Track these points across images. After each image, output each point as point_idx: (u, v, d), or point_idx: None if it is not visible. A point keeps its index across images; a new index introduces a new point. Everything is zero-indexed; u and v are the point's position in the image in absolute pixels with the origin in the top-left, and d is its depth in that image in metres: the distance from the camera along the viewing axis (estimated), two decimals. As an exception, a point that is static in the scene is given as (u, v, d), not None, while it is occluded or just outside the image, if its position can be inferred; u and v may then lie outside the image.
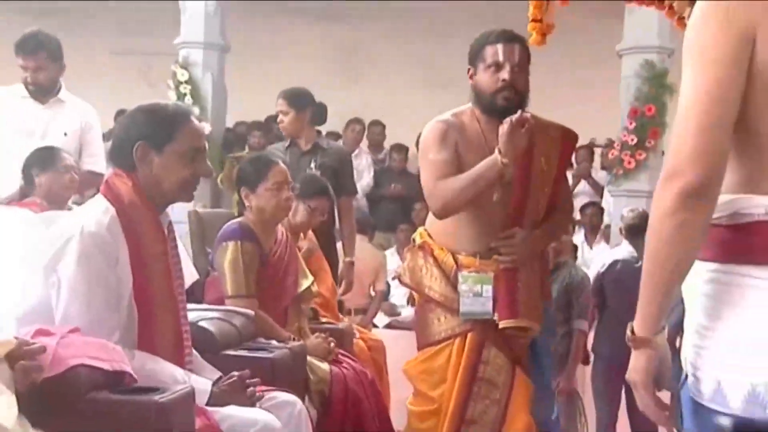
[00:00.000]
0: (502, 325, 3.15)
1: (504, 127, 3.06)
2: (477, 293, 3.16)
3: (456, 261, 3.22)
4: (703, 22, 1.76)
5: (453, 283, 3.21)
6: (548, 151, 3.24)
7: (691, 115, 1.73)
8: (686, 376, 1.87)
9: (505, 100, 3.16)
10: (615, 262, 5.54)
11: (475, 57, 3.24)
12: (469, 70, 3.28)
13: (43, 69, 4.52)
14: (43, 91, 4.59)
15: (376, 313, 6.81)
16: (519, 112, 3.09)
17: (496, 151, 3.07)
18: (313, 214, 4.05)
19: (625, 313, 5.40)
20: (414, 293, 3.48)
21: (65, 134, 4.57)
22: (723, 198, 1.76)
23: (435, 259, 3.27)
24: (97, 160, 4.71)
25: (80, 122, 4.67)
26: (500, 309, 3.15)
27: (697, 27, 1.77)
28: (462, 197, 3.15)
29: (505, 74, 3.16)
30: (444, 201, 3.18)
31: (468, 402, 3.19)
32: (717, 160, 1.70)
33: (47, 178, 4.18)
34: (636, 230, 5.55)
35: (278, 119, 4.98)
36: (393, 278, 5.90)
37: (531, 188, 3.21)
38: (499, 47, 3.17)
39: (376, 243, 7.75)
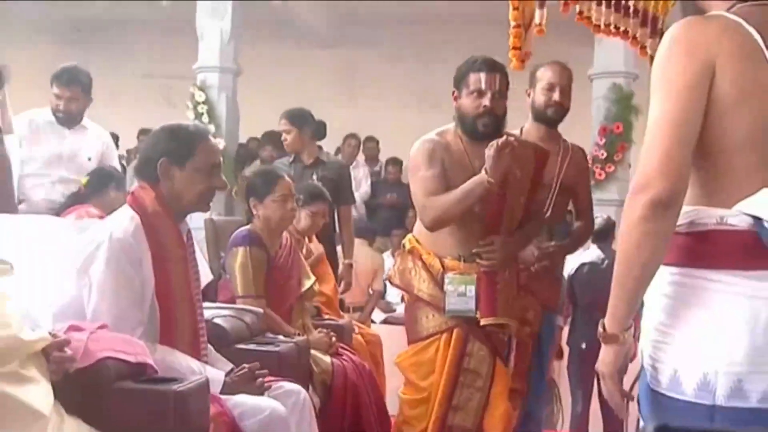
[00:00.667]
0: (483, 322, 3.15)
1: (490, 151, 3.04)
2: (461, 293, 3.16)
3: (442, 264, 3.22)
4: (668, 54, 1.79)
5: (439, 284, 3.20)
6: (522, 165, 3.20)
7: (658, 135, 1.75)
8: (642, 367, 1.89)
9: (485, 126, 3.16)
10: (583, 265, 5.56)
11: (459, 81, 3.22)
12: (453, 92, 3.26)
13: (75, 100, 4.55)
14: (71, 119, 4.61)
15: (372, 310, 6.80)
16: (504, 137, 3.07)
17: (483, 171, 3.06)
18: (314, 218, 4.05)
19: (594, 311, 5.46)
20: (404, 293, 3.48)
21: (89, 159, 4.62)
22: (684, 209, 1.77)
23: (423, 262, 3.26)
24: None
25: (100, 146, 4.72)
26: (482, 308, 3.15)
27: (663, 57, 1.80)
28: (452, 212, 3.14)
29: (486, 101, 3.14)
30: (435, 215, 3.17)
31: (455, 390, 3.18)
32: (681, 175, 1.72)
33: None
34: (602, 235, 5.58)
35: (282, 137, 4.98)
36: (385, 280, 5.90)
37: (507, 199, 3.19)
38: (482, 75, 3.16)
39: (374, 247, 7.75)
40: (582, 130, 8.18)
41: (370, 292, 6.89)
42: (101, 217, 3.33)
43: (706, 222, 1.74)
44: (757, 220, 1.68)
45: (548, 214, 3.52)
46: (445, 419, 3.19)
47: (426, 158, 3.20)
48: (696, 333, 1.75)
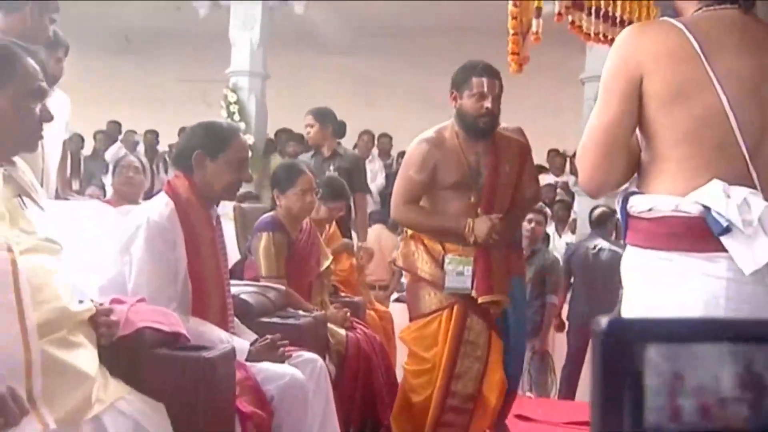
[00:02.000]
0: (481, 300, 3.19)
1: (485, 228, 3.13)
2: (459, 272, 3.20)
3: (443, 247, 3.25)
4: (608, 61, 1.85)
5: (440, 265, 3.24)
6: (511, 159, 3.28)
7: (588, 143, 1.85)
8: None
9: (485, 125, 3.21)
10: (578, 248, 5.61)
11: (461, 84, 3.24)
12: (452, 92, 3.27)
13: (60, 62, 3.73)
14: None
15: (397, 286, 6.81)
16: (495, 216, 3.16)
17: (469, 229, 3.14)
18: (332, 213, 4.09)
19: (588, 289, 5.45)
20: (406, 273, 3.49)
21: (66, 123, 3.88)
22: (644, 196, 1.81)
23: (425, 246, 3.30)
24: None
25: (67, 110, 3.89)
26: (479, 286, 3.18)
27: (605, 64, 1.86)
28: (417, 228, 3.30)
29: (488, 103, 3.18)
30: (404, 221, 3.37)
31: (457, 360, 3.23)
32: (606, 178, 1.86)
33: (117, 180, 4.23)
34: (599, 223, 5.61)
35: (306, 131, 5.03)
36: (390, 262, 5.92)
37: (498, 190, 3.25)
38: (485, 80, 3.19)
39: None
40: (575, 128, 8.20)
41: (394, 268, 6.91)
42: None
43: (662, 209, 1.77)
44: (706, 208, 1.70)
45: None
46: (449, 386, 3.23)
47: (419, 161, 3.25)
48: (657, 307, 1.78)
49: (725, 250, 1.71)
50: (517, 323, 3.59)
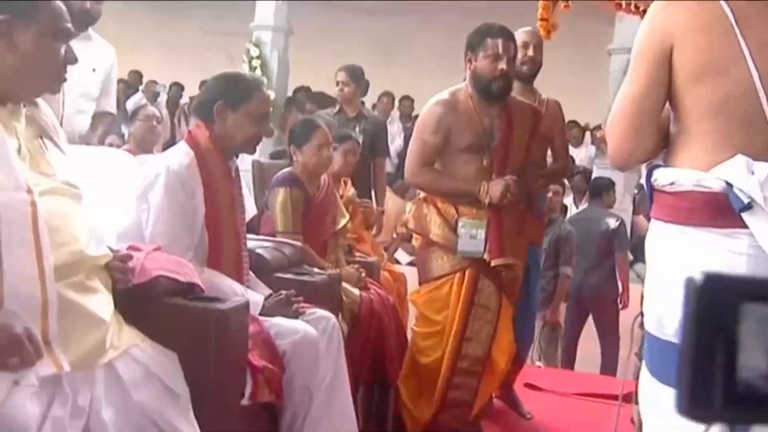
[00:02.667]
0: (493, 263, 3.18)
1: (499, 189, 3.12)
2: (472, 236, 3.19)
3: (457, 210, 3.25)
4: (640, 32, 1.82)
5: (453, 228, 3.24)
6: (523, 124, 3.28)
7: (619, 113, 1.83)
8: (641, 314, 1.91)
9: (499, 88, 3.19)
10: (573, 216, 5.70)
11: (476, 46, 3.21)
12: (467, 54, 3.25)
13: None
14: (78, 25, 3.74)
15: (396, 250, 6.84)
16: (510, 178, 3.15)
17: (483, 191, 3.14)
18: (345, 157, 4.00)
19: (581, 258, 5.42)
20: (417, 237, 3.48)
21: (93, 70, 3.78)
22: (668, 170, 1.79)
23: (437, 209, 3.29)
24: (111, 101, 3.99)
25: (109, 60, 3.87)
26: (491, 249, 3.18)
27: (638, 35, 1.83)
28: (432, 191, 3.31)
29: (503, 64, 3.15)
30: (419, 185, 3.36)
31: (468, 322, 3.24)
32: (635, 149, 1.83)
33: (135, 127, 4.21)
34: (595, 193, 5.67)
35: (339, 89, 4.94)
36: (401, 224, 5.93)
37: (511, 152, 3.24)
38: (500, 42, 3.16)
39: (406, 197, 7.78)
40: (600, 99, 8.12)
41: (394, 235, 6.92)
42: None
43: (684, 183, 1.75)
44: (728, 184, 1.68)
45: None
46: (459, 349, 3.25)
47: (434, 123, 3.23)
48: (676, 281, 1.76)
49: (746, 227, 1.69)
50: (530, 292, 3.59)
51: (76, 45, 3.63)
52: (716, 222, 1.71)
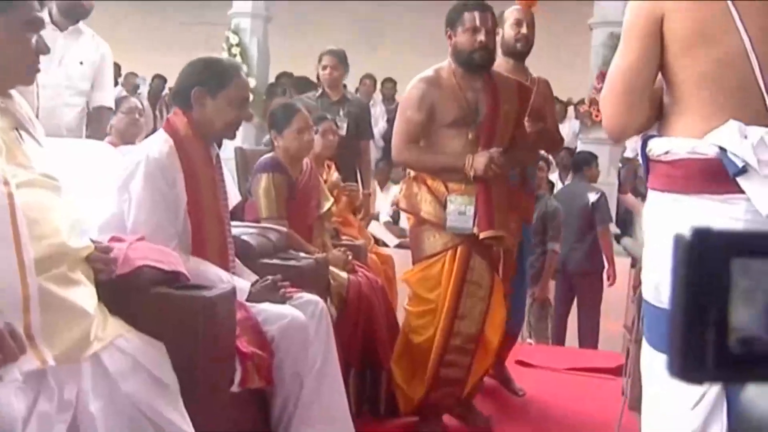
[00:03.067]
0: (482, 236, 3.17)
1: (483, 160, 3.12)
2: (461, 212, 3.18)
3: (446, 187, 3.24)
4: (629, 6, 1.82)
5: (443, 206, 3.23)
6: (509, 98, 3.29)
7: (610, 85, 1.84)
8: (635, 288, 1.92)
9: (481, 59, 3.20)
10: (560, 192, 5.72)
11: (455, 21, 3.24)
12: (447, 32, 3.28)
13: None
14: (70, 18, 3.71)
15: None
16: (496, 150, 3.15)
17: (468, 164, 3.14)
18: (325, 136, 3.98)
19: (566, 232, 5.44)
20: (409, 216, 3.49)
21: (81, 63, 3.77)
22: (662, 139, 1.78)
23: (428, 187, 3.28)
24: (106, 96, 3.96)
25: (98, 53, 3.84)
26: (480, 223, 3.18)
27: (627, 9, 1.83)
28: (419, 168, 3.31)
29: (481, 36, 3.17)
30: (406, 162, 3.37)
31: (460, 300, 3.24)
32: (629, 119, 1.83)
33: (117, 119, 4.18)
34: (577, 167, 5.69)
35: (327, 72, 4.88)
36: (392, 204, 5.91)
37: (497, 126, 3.24)
38: (476, 14, 3.19)
39: (391, 178, 7.82)
40: (582, 73, 8.11)
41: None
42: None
43: (679, 151, 1.75)
44: (722, 149, 1.67)
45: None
46: (452, 326, 3.25)
47: (417, 100, 3.25)
48: (661, 246, 1.77)
49: (742, 192, 1.69)
50: (523, 269, 3.58)
51: (67, 38, 3.69)
52: (712, 188, 1.71)
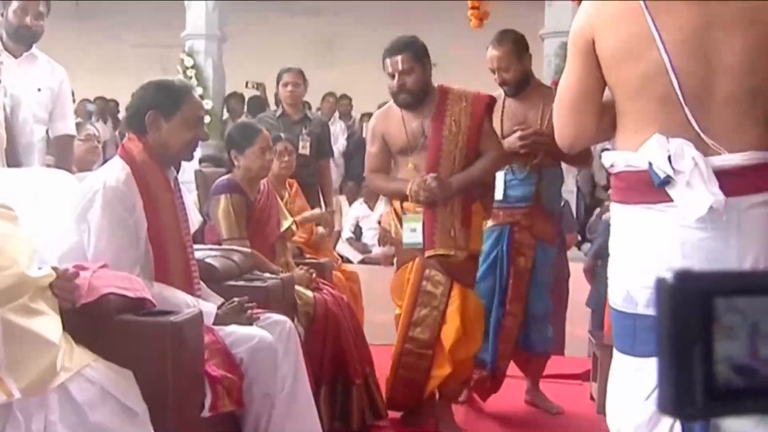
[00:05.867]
0: (426, 254, 3.36)
1: (415, 186, 3.27)
2: (413, 229, 3.37)
3: (402, 207, 3.44)
4: (571, 30, 1.94)
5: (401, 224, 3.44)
6: (458, 118, 3.36)
7: (558, 104, 1.96)
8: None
9: (403, 101, 3.36)
10: None
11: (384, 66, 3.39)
12: None
13: (42, 16, 3.59)
14: (21, 43, 3.61)
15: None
16: (430, 176, 3.26)
17: (408, 190, 3.29)
18: (281, 157, 4.01)
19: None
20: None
21: (39, 89, 3.65)
22: (608, 153, 1.92)
23: (393, 208, 3.55)
24: (69, 124, 3.86)
25: (55, 79, 3.74)
26: (425, 241, 3.34)
27: (570, 32, 1.95)
28: (383, 193, 3.90)
29: (396, 81, 3.32)
30: (371, 187, 4.20)
31: (414, 308, 3.41)
32: (578, 132, 1.94)
33: (75, 147, 4.12)
34: None
35: (289, 90, 4.85)
36: (377, 222, 5.96)
37: (443, 152, 3.35)
38: (388, 60, 3.34)
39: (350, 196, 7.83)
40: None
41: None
42: None
43: (619, 164, 1.87)
44: (650, 162, 1.77)
45: (537, 159, 3.66)
46: (406, 332, 3.43)
47: (370, 135, 3.60)
48: (624, 257, 1.87)
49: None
50: (537, 287, 3.73)
51: (21, 65, 3.61)
52: (648, 198, 1.81)
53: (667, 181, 1.75)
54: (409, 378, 3.44)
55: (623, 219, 1.88)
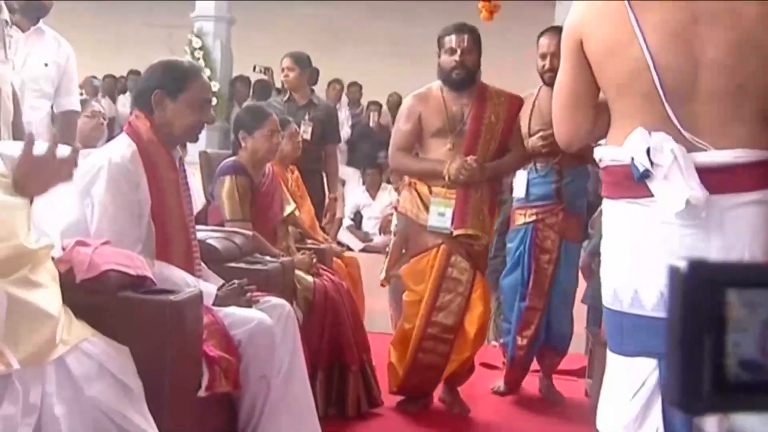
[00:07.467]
0: (456, 233, 3.48)
1: (455, 165, 3.43)
2: (441, 213, 3.51)
3: (430, 190, 3.55)
4: (563, 31, 1.97)
5: (427, 208, 3.54)
6: (496, 111, 3.58)
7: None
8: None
9: (458, 76, 3.54)
10: None
11: (439, 44, 3.59)
12: (437, 53, 3.61)
13: None
14: (29, 17, 3.64)
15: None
16: (471, 158, 3.44)
17: (446, 172, 3.45)
18: (291, 140, 4.00)
19: None
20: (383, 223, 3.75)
21: (45, 64, 3.70)
22: (598, 149, 1.95)
23: (416, 190, 3.62)
24: (74, 100, 3.90)
25: (62, 55, 3.76)
26: (455, 221, 3.48)
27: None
28: (407, 172, 3.76)
29: (457, 57, 3.52)
30: (396, 167, 3.90)
31: (439, 294, 3.54)
32: (575, 130, 1.97)
33: (80, 123, 4.12)
34: None
35: (284, 75, 4.91)
36: (392, 208, 5.96)
37: (481, 138, 3.55)
38: (453, 37, 3.54)
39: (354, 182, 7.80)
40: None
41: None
42: None
43: (606, 159, 1.91)
44: (633, 157, 1.79)
45: (557, 158, 3.79)
46: (430, 317, 3.55)
47: (405, 112, 3.67)
48: (612, 251, 1.92)
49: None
50: (561, 285, 3.86)
51: (29, 39, 3.64)
52: (633, 192, 1.83)
53: (647, 174, 1.76)
54: (429, 362, 3.56)
55: (611, 214, 1.91)
